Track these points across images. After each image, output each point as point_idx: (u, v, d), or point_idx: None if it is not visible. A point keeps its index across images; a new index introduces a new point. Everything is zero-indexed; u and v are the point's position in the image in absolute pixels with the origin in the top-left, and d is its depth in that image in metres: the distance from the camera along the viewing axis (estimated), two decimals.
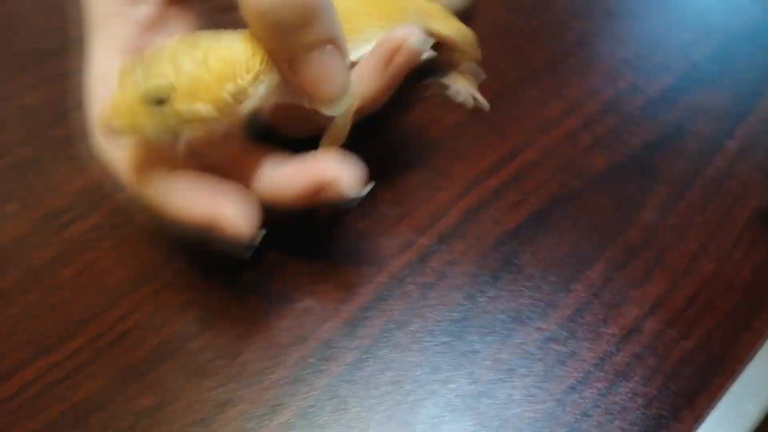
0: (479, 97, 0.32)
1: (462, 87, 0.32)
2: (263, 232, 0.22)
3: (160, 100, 0.20)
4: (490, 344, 0.24)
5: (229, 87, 0.21)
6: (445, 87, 0.32)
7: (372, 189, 0.27)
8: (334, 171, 0.22)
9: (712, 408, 0.23)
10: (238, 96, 0.21)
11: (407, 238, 0.27)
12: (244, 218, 0.22)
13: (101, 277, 0.26)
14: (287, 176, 0.23)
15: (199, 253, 0.27)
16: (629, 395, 0.23)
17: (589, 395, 0.23)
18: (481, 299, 0.26)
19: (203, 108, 0.21)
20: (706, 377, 0.24)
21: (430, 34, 0.29)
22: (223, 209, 0.21)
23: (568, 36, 0.35)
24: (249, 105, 0.22)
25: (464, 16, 0.35)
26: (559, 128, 0.31)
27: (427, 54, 0.29)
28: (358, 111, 0.24)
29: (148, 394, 0.23)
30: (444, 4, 0.32)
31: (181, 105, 0.21)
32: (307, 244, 0.27)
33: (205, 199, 0.22)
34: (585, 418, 0.23)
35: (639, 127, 0.31)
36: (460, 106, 0.32)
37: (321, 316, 0.25)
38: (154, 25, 0.25)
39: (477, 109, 0.32)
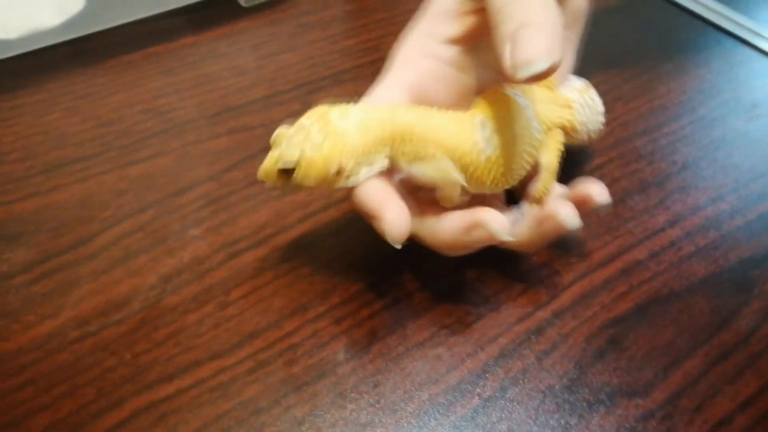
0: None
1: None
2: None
3: (288, 172, 0.28)
4: (594, 411, 0.28)
5: (333, 168, 0.28)
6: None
7: (501, 267, 0.32)
8: (487, 214, 0.28)
9: None
10: (341, 174, 0.28)
11: (527, 310, 0.31)
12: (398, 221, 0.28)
13: (265, 301, 0.31)
14: (449, 218, 0.29)
15: (347, 294, 0.32)
16: None
17: None
18: (588, 370, 0.29)
19: (313, 182, 0.28)
20: None
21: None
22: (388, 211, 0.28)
23: (677, 158, 0.40)
24: (351, 181, 0.29)
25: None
26: (663, 236, 0.35)
27: None
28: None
29: (301, 405, 0.28)
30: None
31: (299, 178, 0.28)
32: (443, 301, 0.32)
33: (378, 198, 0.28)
34: None
35: (736, 244, 0.35)
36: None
37: (450, 364, 0.29)
38: (432, 77, 0.31)
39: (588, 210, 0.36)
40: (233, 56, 0.46)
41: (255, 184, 0.37)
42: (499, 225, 0.27)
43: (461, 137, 0.29)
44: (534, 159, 0.31)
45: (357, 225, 0.35)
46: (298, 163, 0.28)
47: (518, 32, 0.26)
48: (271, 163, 0.28)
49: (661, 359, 0.30)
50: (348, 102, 0.30)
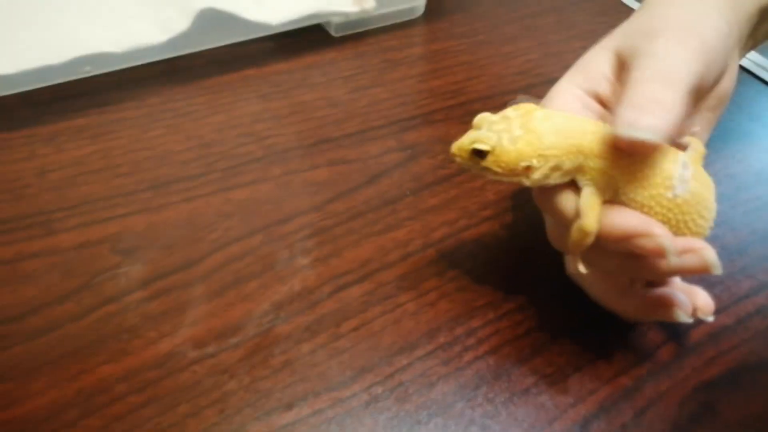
0: None
1: None
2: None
3: (479, 155, 0.29)
4: None
5: (522, 163, 0.29)
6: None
7: (596, 321, 0.33)
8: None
9: None
10: (529, 171, 0.29)
11: (623, 365, 0.33)
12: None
13: (374, 336, 0.32)
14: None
15: (451, 335, 0.33)
16: None
17: None
18: None
19: (500, 170, 0.30)
20: None
21: None
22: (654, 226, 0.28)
23: (757, 226, 0.41)
24: (535, 178, 0.29)
25: None
26: (749, 302, 0.37)
27: None
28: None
29: None
30: None
31: (489, 163, 0.30)
32: (544, 350, 0.33)
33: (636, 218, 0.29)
34: None
35: None
36: None
37: (553, 414, 0.30)
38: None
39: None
40: (326, 86, 0.47)
41: (357, 218, 0.38)
42: (715, 255, 0.29)
43: (656, 168, 0.29)
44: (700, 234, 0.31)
45: (457, 266, 0.36)
46: (492, 148, 0.29)
47: (645, 103, 0.28)
48: (467, 141, 0.30)
49: (754, 429, 0.31)
50: None
